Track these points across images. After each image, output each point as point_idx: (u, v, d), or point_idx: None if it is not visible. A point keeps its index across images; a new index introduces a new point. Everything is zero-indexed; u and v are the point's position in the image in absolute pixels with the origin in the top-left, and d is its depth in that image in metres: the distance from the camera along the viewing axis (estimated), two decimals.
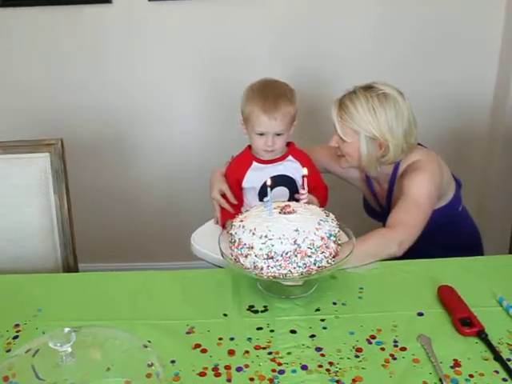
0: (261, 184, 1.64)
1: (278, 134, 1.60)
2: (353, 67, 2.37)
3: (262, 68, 2.31)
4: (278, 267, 1.16)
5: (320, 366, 1.03)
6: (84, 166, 2.46)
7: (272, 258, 1.16)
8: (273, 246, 1.16)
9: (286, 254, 1.16)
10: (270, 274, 1.17)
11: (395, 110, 1.52)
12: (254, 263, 1.18)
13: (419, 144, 1.66)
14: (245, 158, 1.70)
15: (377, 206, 1.79)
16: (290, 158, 1.68)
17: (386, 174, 1.66)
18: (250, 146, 1.71)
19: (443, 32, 2.35)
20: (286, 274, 1.17)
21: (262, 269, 1.17)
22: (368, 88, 1.55)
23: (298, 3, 2.32)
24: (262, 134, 1.60)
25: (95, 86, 2.42)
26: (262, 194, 1.61)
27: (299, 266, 1.16)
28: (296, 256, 1.16)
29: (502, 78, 2.37)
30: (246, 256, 1.19)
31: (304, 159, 1.69)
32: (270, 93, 1.58)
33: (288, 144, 1.69)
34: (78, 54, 2.38)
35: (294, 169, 1.67)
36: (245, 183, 1.68)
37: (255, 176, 1.66)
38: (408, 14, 2.33)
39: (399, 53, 2.38)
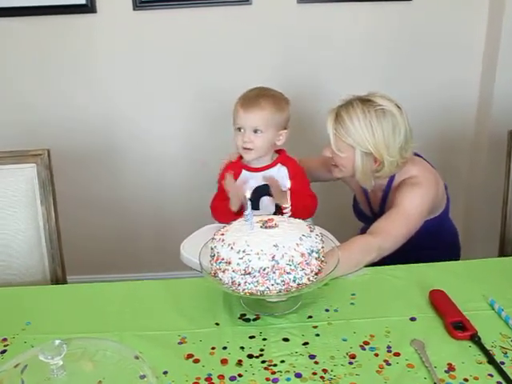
0: (249, 192, 1.63)
1: (256, 132, 1.59)
2: (338, 74, 2.38)
3: (250, 74, 2.32)
4: (256, 283, 1.11)
5: (314, 374, 1.03)
6: (71, 176, 2.44)
7: (249, 273, 1.11)
8: (250, 261, 1.11)
9: (264, 270, 1.11)
10: (246, 291, 1.12)
11: (393, 126, 1.47)
12: (231, 278, 1.13)
13: (416, 154, 1.63)
14: (235, 166, 1.70)
15: (368, 212, 1.78)
16: (278, 165, 1.68)
17: (380, 184, 1.63)
18: None
19: (427, 37, 2.37)
20: (263, 291, 1.11)
21: (239, 284, 1.12)
22: (366, 101, 1.48)
23: (287, 10, 2.33)
24: (240, 130, 1.59)
25: (82, 95, 2.41)
26: (251, 202, 1.60)
27: (277, 283, 1.11)
28: (274, 272, 1.11)
29: (485, 82, 2.40)
30: (223, 271, 1.14)
31: (293, 166, 1.69)
32: (255, 92, 1.61)
33: (279, 151, 1.69)
34: (65, 64, 2.36)
35: (282, 176, 1.66)
36: None
37: (244, 184, 1.65)
38: (392, 20, 2.35)
39: (384, 58, 2.40)
